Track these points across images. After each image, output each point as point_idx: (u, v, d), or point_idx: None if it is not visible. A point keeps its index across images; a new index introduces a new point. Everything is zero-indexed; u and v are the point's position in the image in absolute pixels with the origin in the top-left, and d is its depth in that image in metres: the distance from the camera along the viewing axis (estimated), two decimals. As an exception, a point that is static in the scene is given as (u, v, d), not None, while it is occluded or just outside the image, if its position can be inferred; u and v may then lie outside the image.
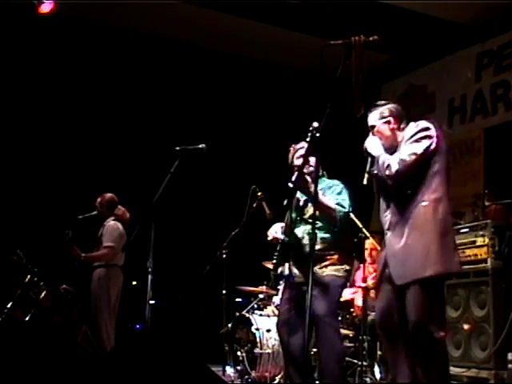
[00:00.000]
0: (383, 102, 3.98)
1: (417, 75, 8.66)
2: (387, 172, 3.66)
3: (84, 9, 7.38)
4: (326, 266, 4.28)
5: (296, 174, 4.02)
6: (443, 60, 8.23)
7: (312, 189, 4.13)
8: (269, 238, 4.49)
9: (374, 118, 3.87)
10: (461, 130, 7.99)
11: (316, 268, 4.24)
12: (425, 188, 3.65)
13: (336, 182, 4.45)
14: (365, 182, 3.87)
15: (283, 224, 4.49)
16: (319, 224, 4.23)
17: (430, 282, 3.58)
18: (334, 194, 4.35)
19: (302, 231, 4.34)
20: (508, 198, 6.33)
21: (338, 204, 4.28)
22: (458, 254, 3.77)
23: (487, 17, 7.55)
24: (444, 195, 3.67)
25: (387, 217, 3.78)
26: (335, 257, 4.30)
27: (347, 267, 4.33)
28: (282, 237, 4.38)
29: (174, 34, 8.07)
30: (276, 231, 4.47)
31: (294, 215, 4.36)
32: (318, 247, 4.26)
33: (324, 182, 4.43)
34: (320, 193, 4.26)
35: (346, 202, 4.31)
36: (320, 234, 4.27)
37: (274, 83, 8.64)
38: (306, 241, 4.28)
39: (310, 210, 4.33)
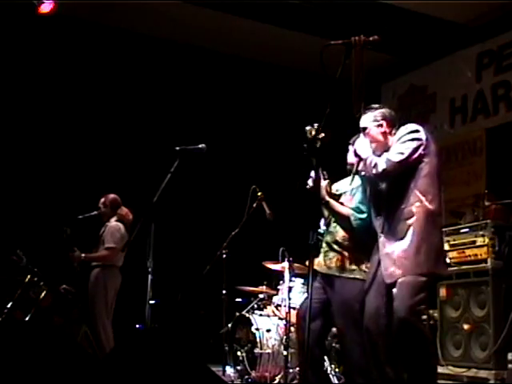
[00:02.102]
0: (377, 105, 4.02)
1: (417, 75, 8.65)
2: (374, 171, 3.70)
3: (84, 9, 7.37)
4: (343, 265, 4.16)
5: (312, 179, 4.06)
6: (443, 60, 8.22)
7: (324, 196, 4.16)
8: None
9: (366, 120, 3.90)
10: (462, 130, 7.98)
11: (337, 261, 4.22)
12: (415, 190, 3.69)
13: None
14: (351, 183, 3.92)
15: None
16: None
17: (417, 281, 3.61)
18: (357, 198, 4.22)
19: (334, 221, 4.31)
20: (508, 197, 6.33)
21: (355, 209, 4.15)
22: (444, 257, 3.84)
23: (487, 17, 7.55)
24: (434, 197, 3.70)
25: (379, 220, 3.81)
26: (355, 255, 4.18)
27: (365, 268, 4.16)
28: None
29: (174, 34, 8.06)
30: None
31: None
32: (344, 235, 4.23)
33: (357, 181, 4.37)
34: (356, 187, 4.25)
35: (365, 206, 4.13)
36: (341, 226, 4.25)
37: (274, 83, 8.64)
38: (331, 228, 4.27)
39: (343, 200, 4.27)
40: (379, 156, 3.78)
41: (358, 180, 4.31)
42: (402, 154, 3.67)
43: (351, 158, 4.27)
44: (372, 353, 3.79)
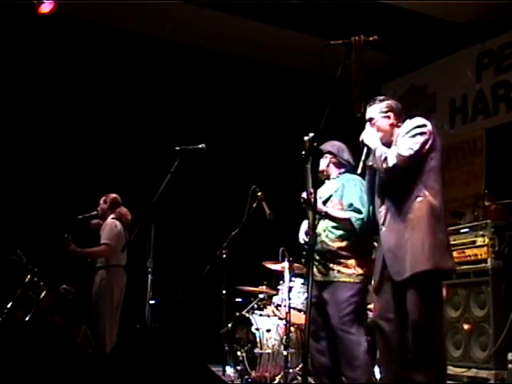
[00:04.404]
0: (382, 97, 4.03)
1: (417, 75, 8.65)
2: (384, 165, 3.69)
3: (84, 9, 7.37)
4: (339, 271, 4.23)
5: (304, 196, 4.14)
6: (443, 60, 8.23)
7: (322, 209, 4.20)
8: (301, 241, 4.44)
9: (374, 111, 3.90)
10: (462, 130, 7.99)
11: (328, 269, 4.24)
12: (420, 184, 3.67)
13: (353, 177, 4.36)
14: (359, 170, 3.91)
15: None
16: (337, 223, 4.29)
17: (427, 281, 3.59)
18: (348, 197, 4.28)
19: (321, 227, 4.31)
20: (508, 197, 6.34)
21: (353, 210, 4.20)
22: (450, 252, 3.76)
23: (487, 17, 7.55)
24: (439, 192, 3.69)
25: (382, 212, 3.80)
26: (349, 261, 4.23)
27: (362, 271, 4.21)
28: (306, 239, 4.33)
29: (174, 34, 8.06)
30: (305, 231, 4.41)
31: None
32: (335, 245, 4.25)
33: (343, 178, 4.42)
34: (339, 189, 4.31)
35: (361, 204, 4.18)
36: (338, 232, 4.27)
37: (274, 83, 8.64)
38: (323, 237, 4.28)
39: (330, 205, 4.32)
40: (386, 146, 3.77)
41: (337, 181, 4.38)
42: (412, 149, 3.66)
43: (321, 163, 4.43)
44: (385, 349, 3.78)
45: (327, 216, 4.25)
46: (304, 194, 4.18)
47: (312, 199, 4.07)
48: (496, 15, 7.47)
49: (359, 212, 4.18)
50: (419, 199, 3.65)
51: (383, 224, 3.78)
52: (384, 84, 9.04)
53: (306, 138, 4.08)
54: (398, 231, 3.68)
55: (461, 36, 7.85)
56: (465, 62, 7.95)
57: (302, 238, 4.40)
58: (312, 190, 4.11)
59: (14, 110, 7.30)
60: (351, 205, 4.23)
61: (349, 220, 4.20)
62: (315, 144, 3.82)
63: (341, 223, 4.25)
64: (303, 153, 3.95)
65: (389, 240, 3.73)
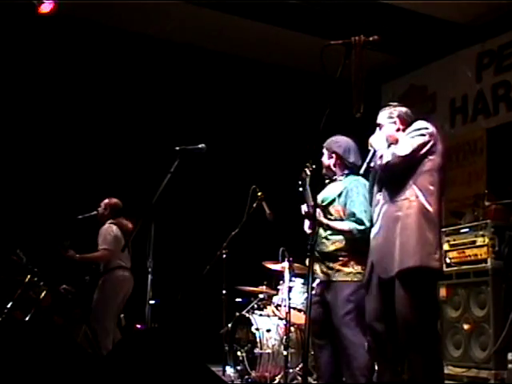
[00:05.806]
0: (395, 103, 4.12)
1: (417, 75, 8.65)
2: (379, 162, 3.77)
3: (84, 9, 7.36)
4: (338, 271, 4.24)
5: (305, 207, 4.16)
6: (443, 60, 8.22)
7: (323, 221, 4.22)
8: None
9: (383, 116, 4.00)
10: (463, 131, 7.98)
11: (329, 269, 4.24)
12: (414, 185, 3.71)
13: (357, 181, 4.33)
14: (361, 171, 3.97)
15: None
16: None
17: (414, 279, 3.60)
18: (351, 205, 4.26)
19: (323, 230, 4.31)
20: (508, 197, 6.33)
21: (355, 221, 4.19)
22: (440, 253, 3.74)
23: (487, 17, 7.55)
24: (433, 194, 3.70)
25: (376, 211, 3.86)
26: (347, 260, 4.23)
27: (360, 269, 4.18)
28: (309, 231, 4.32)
29: (174, 34, 8.06)
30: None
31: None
32: (332, 248, 4.26)
33: (347, 181, 4.39)
34: (343, 194, 4.30)
35: (365, 215, 4.16)
36: (337, 236, 4.27)
37: (274, 83, 8.64)
38: (323, 236, 4.28)
39: (332, 210, 4.32)
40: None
41: (341, 184, 4.37)
42: (408, 149, 3.70)
43: (326, 161, 4.46)
44: (378, 350, 3.79)
45: (329, 228, 4.25)
46: (305, 207, 4.19)
47: (313, 212, 4.09)
48: (496, 15, 7.47)
49: (361, 223, 4.16)
50: (411, 199, 3.68)
51: (376, 222, 3.82)
52: (384, 84, 9.03)
53: (305, 169, 4.06)
54: (388, 229, 3.72)
55: (461, 36, 7.85)
56: (465, 62, 7.95)
57: (307, 227, 4.37)
58: (312, 203, 4.13)
59: (14, 110, 7.30)
60: (354, 215, 4.21)
61: (350, 232, 4.20)
62: (312, 170, 3.88)
63: (342, 233, 4.25)
64: (300, 182, 4.00)
65: (379, 237, 3.77)
